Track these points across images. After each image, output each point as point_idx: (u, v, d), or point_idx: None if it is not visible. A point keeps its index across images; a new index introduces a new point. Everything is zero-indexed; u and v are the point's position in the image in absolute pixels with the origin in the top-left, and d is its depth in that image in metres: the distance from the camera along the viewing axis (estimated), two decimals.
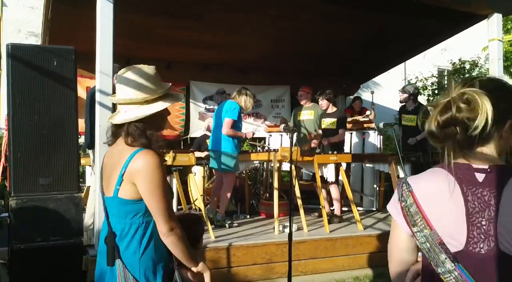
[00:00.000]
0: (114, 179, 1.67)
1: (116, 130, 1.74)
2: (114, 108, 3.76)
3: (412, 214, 1.11)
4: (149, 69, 1.74)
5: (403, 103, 5.92)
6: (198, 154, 5.35)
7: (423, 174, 1.16)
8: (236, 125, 4.79)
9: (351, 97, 8.86)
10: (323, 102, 5.46)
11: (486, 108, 1.04)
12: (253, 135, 5.27)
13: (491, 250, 1.04)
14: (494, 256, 1.04)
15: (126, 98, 1.69)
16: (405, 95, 5.78)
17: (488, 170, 1.08)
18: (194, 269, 1.75)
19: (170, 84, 1.81)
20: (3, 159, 4.05)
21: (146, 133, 1.67)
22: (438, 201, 1.09)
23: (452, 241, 1.07)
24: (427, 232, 1.09)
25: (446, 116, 1.08)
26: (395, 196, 1.18)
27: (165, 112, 1.76)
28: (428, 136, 1.13)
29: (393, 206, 1.17)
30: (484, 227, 1.05)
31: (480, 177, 1.08)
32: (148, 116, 1.67)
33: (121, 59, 5.80)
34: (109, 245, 1.68)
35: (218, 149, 4.81)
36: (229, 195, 4.95)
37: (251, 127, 8.24)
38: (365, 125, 6.85)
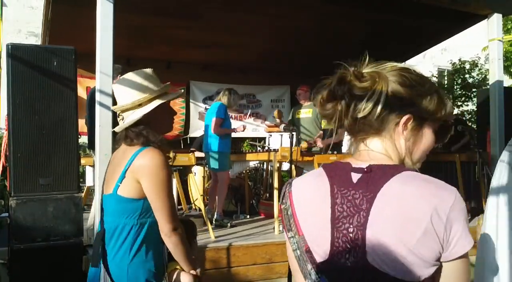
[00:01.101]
0: (116, 177, 1.66)
1: (119, 136, 1.76)
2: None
3: (289, 217, 0.99)
4: (140, 73, 1.74)
5: None
6: (199, 154, 5.36)
7: (308, 173, 1.04)
8: (224, 123, 4.91)
9: None
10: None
11: (381, 88, 0.89)
12: (243, 129, 5.34)
13: (358, 262, 0.87)
14: (361, 269, 0.86)
15: (120, 106, 1.72)
16: None
17: (365, 169, 0.92)
18: (192, 272, 1.73)
19: (168, 83, 1.81)
20: (3, 159, 4.04)
21: (143, 134, 1.67)
22: (310, 204, 0.97)
23: (317, 249, 0.93)
24: (297, 237, 0.96)
25: (328, 89, 0.93)
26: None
27: (162, 111, 1.74)
28: (321, 113, 0.99)
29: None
30: (351, 235, 0.88)
31: (355, 177, 0.93)
32: (143, 118, 1.67)
33: (121, 59, 5.81)
34: (95, 244, 1.66)
35: (209, 149, 4.90)
36: (224, 193, 4.99)
37: (251, 127, 8.24)
38: None
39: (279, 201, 1.04)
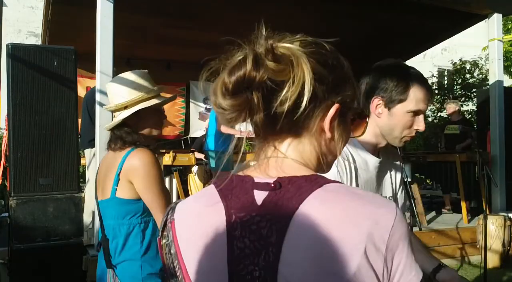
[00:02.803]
0: (110, 181, 1.67)
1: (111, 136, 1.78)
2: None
3: (172, 257, 0.73)
4: (132, 74, 1.75)
5: None
6: (198, 155, 5.36)
7: (196, 193, 0.79)
8: None
9: None
10: None
11: (303, 72, 0.65)
12: (249, 135, 5.29)
13: None
14: None
15: (109, 106, 1.74)
16: None
17: (272, 185, 0.67)
18: None
19: (160, 86, 1.81)
20: (3, 159, 4.05)
21: (128, 135, 1.68)
22: (199, 239, 0.70)
23: None
24: None
25: (237, 75, 0.66)
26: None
27: (149, 114, 1.73)
28: (215, 109, 0.71)
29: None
30: (258, 280, 0.63)
31: (260, 196, 0.67)
32: (129, 120, 1.68)
33: (121, 59, 5.82)
34: (104, 249, 1.67)
35: (212, 148, 4.89)
36: None
37: (251, 127, 8.24)
38: None
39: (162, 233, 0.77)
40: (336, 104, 0.70)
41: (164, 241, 0.75)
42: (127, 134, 1.69)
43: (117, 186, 1.65)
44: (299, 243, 0.62)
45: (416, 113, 1.33)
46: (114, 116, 1.76)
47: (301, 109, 0.66)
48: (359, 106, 0.77)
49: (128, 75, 1.76)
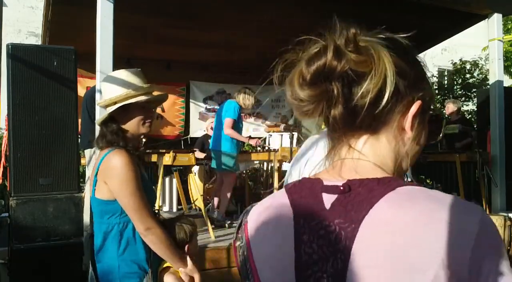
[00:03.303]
0: (91, 180, 1.72)
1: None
2: None
3: (245, 260, 0.72)
4: (124, 72, 1.79)
5: None
6: (199, 154, 5.35)
7: (269, 196, 0.77)
8: (236, 124, 4.79)
9: None
10: None
11: (385, 65, 0.62)
12: (259, 142, 5.21)
13: None
14: None
15: (101, 101, 1.80)
16: None
17: (342, 187, 0.64)
18: (182, 269, 1.74)
19: (150, 84, 1.83)
20: (3, 159, 4.05)
21: (111, 134, 1.71)
22: (269, 243, 0.69)
23: None
24: None
25: (317, 64, 0.63)
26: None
27: (135, 111, 1.75)
28: (289, 102, 0.68)
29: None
30: None
31: (329, 200, 0.65)
32: (117, 114, 1.72)
33: (121, 59, 5.81)
34: (87, 246, 1.74)
35: (218, 148, 4.82)
36: (229, 194, 4.95)
37: (251, 127, 8.25)
38: None
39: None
40: (418, 101, 0.66)
41: (238, 243, 0.75)
42: (111, 133, 1.72)
43: (95, 186, 1.69)
44: (369, 250, 0.58)
45: None
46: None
47: (383, 103, 0.62)
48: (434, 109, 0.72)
49: (120, 73, 1.80)
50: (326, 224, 0.63)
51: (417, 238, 0.56)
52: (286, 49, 0.72)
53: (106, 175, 1.65)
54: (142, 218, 1.63)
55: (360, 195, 0.62)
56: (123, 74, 1.79)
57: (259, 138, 5.82)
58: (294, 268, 0.64)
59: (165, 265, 1.79)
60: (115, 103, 1.73)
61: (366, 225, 0.59)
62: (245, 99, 4.87)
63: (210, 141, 5.32)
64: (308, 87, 0.64)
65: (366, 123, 0.65)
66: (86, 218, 4.11)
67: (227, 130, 4.71)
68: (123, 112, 1.74)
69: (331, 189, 0.65)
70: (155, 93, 1.87)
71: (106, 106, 1.77)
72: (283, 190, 0.72)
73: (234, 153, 4.82)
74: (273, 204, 0.72)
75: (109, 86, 1.78)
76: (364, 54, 0.63)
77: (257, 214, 0.73)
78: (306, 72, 0.64)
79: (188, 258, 1.77)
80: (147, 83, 1.83)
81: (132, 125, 1.77)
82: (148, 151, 4.29)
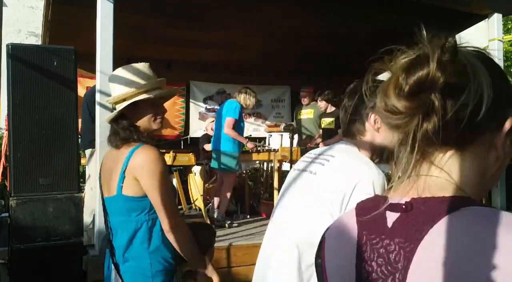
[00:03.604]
0: (115, 178, 1.66)
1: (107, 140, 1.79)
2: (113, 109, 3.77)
3: (320, 275, 0.74)
4: (131, 67, 1.76)
5: None
6: (208, 147, 5.27)
7: (345, 212, 0.79)
8: (237, 124, 4.79)
9: None
10: (321, 103, 5.50)
11: (482, 78, 0.61)
12: (254, 148, 5.19)
13: None
14: None
15: (110, 99, 1.77)
16: None
17: (404, 206, 0.63)
18: (201, 270, 1.72)
19: (160, 79, 1.81)
20: (3, 159, 4.05)
21: (124, 131, 1.69)
22: (337, 259, 0.71)
23: None
24: None
25: (419, 75, 0.59)
26: None
27: (145, 108, 1.73)
28: (381, 113, 0.64)
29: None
30: None
31: (391, 219, 0.64)
32: (127, 111, 1.69)
33: (121, 59, 5.79)
34: (102, 247, 1.69)
35: (219, 148, 4.81)
36: (229, 195, 4.95)
37: (251, 127, 8.25)
38: None
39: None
40: (511, 118, 0.63)
41: (318, 260, 0.74)
42: (123, 129, 1.68)
43: (122, 183, 1.64)
44: (424, 272, 0.56)
45: None
46: (115, 109, 1.76)
47: (479, 118, 0.60)
48: None
49: (129, 68, 1.76)
50: (386, 243, 0.62)
51: (472, 265, 0.53)
52: (373, 58, 0.67)
53: (137, 171, 1.61)
54: (172, 215, 1.61)
55: (422, 214, 0.60)
56: (132, 69, 1.75)
57: (257, 143, 5.82)
58: None
59: (186, 269, 1.77)
60: (124, 100, 1.70)
61: (425, 245, 0.58)
62: (246, 99, 4.87)
63: (211, 140, 5.32)
64: (405, 98, 0.60)
65: (454, 140, 0.62)
66: (86, 218, 4.12)
67: (227, 129, 4.70)
68: (133, 109, 1.70)
69: (394, 207, 0.64)
70: (163, 88, 1.83)
71: (115, 103, 1.73)
72: (353, 207, 0.72)
73: (235, 153, 4.81)
74: (343, 221, 0.73)
75: (118, 82, 1.74)
76: (461, 66, 0.61)
77: (331, 229, 0.74)
78: (405, 82, 0.60)
79: (207, 260, 1.76)
80: (157, 77, 1.80)
81: (143, 122, 1.73)
82: None
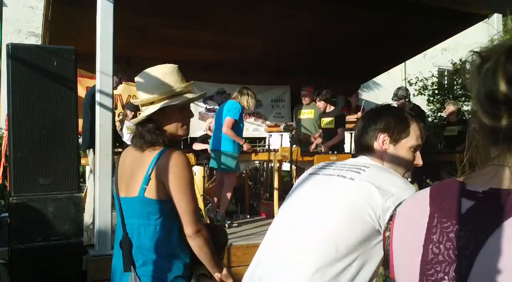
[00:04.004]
0: (138, 179, 1.64)
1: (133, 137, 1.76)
2: (114, 108, 3.77)
3: (387, 251, 0.78)
4: (155, 70, 1.73)
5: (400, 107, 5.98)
6: (198, 146, 5.27)
7: (418, 192, 0.81)
8: (237, 125, 4.78)
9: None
10: (320, 103, 5.49)
11: None
12: (250, 149, 5.18)
13: None
14: None
15: (136, 100, 1.75)
16: (401, 100, 5.83)
17: (481, 194, 0.63)
18: (217, 275, 1.70)
19: (189, 83, 1.77)
20: (3, 159, 4.05)
21: (150, 134, 1.66)
22: (404, 237, 0.74)
23: None
24: (389, 280, 0.76)
25: None
26: None
27: (173, 112, 1.70)
28: (484, 102, 0.64)
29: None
30: None
31: (465, 206, 0.65)
32: (155, 115, 1.66)
33: (121, 59, 5.82)
34: (125, 249, 1.63)
35: (219, 148, 4.80)
36: (229, 195, 4.94)
37: (251, 127, 8.25)
38: None
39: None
40: None
41: (387, 233, 0.79)
42: (149, 132, 1.66)
43: (146, 185, 1.61)
44: (491, 263, 0.57)
45: (415, 149, 1.43)
46: (141, 111, 1.74)
47: None
48: None
49: (157, 70, 1.73)
50: (457, 228, 0.63)
51: None
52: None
53: (168, 174, 1.59)
54: (194, 220, 1.60)
55: (498, 206, 0.60)
56: (160, 71, 1.71)
57: (257, 148, 5.85)
58: (419, 265, 0.66)
59: (200, 272, 1.75)
60: (151, 103, 1.68)
61: (496, 237, 0.58)
62: (249, 101, 4.86)
63: (209, 140, 5.31)
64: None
65: None
66: (87, 218, 4.12)
67: (226, 129, 4.70)
68: (161, 114, 1.67)
69: (471, 195, 0.65)
70: (191, 92, 1.80)
71: (142, 105, 1.71)
72: (428, 188, 0.74)
73: (235, 153, 4.80)
74: (417, 199, 0.75)
75: (146, 84, 1.71)
76: None
77: (403, 207, 0.77)
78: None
79: (224, 265, 1.74)
80: (186, 81, 1.76)
81: (170, 128, 1.71)
82: None
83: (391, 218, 0.79)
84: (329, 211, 1.29)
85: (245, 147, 5.00)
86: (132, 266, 1.61)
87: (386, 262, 0.78)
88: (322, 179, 1.41)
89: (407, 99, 5.86)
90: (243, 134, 5.00)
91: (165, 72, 1.71)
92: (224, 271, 1.71)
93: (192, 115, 1.79)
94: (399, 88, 5.95)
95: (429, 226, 0.67)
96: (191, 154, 4.72)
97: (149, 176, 1.62)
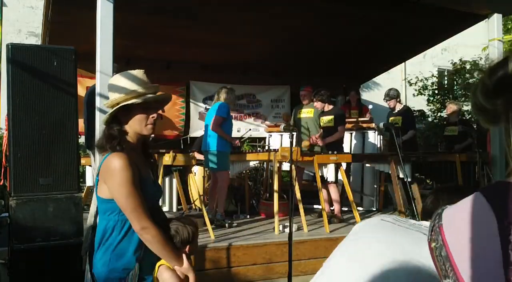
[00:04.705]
0: (94, 180, 1.85)
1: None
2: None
3: (443, 259, 0.77)
4: (125, 74, 1.84)
5: (391, 108, 6.11)
6: (199, 156, 5.35)
7: (462, 201, 0.81)
8: (226, 123, 4.87)
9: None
10: (317, 104, 5.49)
11: None
12: (236, 144, 5.26)
13: None
14: None
15: (107, 103, 1.87)
16: (393, 100, 5.98)
17: None
18: (177, 268, 1.80)
19: (155, 85, 1.87)
20: (3, 159, 4.04)
21: (110, 139, 1.78)
22: (469, 243, 0.74)
23: None
24: None
25: (499, 74, 0.71)
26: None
27: (137, 112, 1.80)
28: (474, 111, 0.79)
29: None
30: None
31: None
32: (120, 115, 1.80)
33: (121, 59, 5.81)
34: (88, 243, 1.82)
35: (209, 148, 4.87)
36: (225, 193, 4.97)
37: (251, 127, 8.24)
38: (365, 125, 6.85)
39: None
40: None
41: (433, 244, 0.79)
42: (108, 136, 1.78)
43: (97, 185, 1.82)
44: None
45: None
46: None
47: None
48: None
49: (126, 74, 1.85)
50: None
51: None
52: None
53: (105, 176, 1.76)
54: (137, 218, 1.71)
55: None
56: (127, 75, 1.84)
57: (240, 138, 5.92)
58: (503, 268, 0.67)
59: (161, 263, 1.84)
60: (117, 104, 1.80)
61: None
62: (228, 98, 5.00)
63: None
64: (492, 96, 0.71)
65: None
66: (90, 218, 4.11)
67: (214, 127, 4.78)
68: (125, 113, 1.80)
69: None
70: (158, 93, 1.90)
71: (111, 107, 1.83)
72: (478, 193, 0.75)
73: (225, 151, 4.87)
74: (469, 206, 0.75)
75: (114, 88, 1.84)
76: None
77: (451, 216, 0.78)
78: (489, 81, 0.72)
79: (184, 257, 1.81)
80: (152, 83, 1.88)
81: (134, 127, 1.82)
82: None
83: (435, 228, 0.80)
84: None
85: (234, 143, 5.10)
86: (91, 254, 1.84)
87: (442, 272, 0.78)
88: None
89: (398, 99, 6.01)
90: (232, 133, 5.08)
91: (133, 76, 1.84)
92: (185, 264, 1.80)
93: (156, 116, 1.86)
94: (390, 89, 6.10)
95: (501, 229, 0.68)
96: (191, 154, 4.73)
97: (97, 177, 1.82)
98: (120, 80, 1.83)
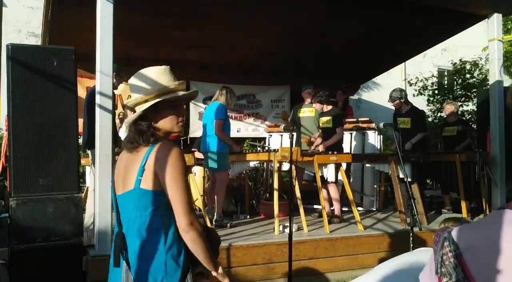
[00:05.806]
0: (133, 173, 1.65)
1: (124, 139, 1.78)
2: (114, 108, 3.77)
3: (453, 272, 0.73)
4: (148, 71, 1.76)
5: (397, 108, 5.89)
6: (198, 155, 5.36)
7: (482, 221, 0.77)
8: (225, 125, 4.90)
9: (352, 97, 8.83)
10: (316, 105, 5.49)
11: None
12: (237, 148, 5.27)
13: None
14: None
15: (130, 101, 1.76)
16: (397, 101, 5.69)
17: None
18: (213, 273, 1.67)
19: (181, 81, 1.79)
20: (3, 159, 4.04)
21: (142, 134, 1.68)
22: (494, 259, 0.70)
23: None
24: None
25: None
26: (431, 264, 0.77)
27: (164, 110, 1.73)
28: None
29: (428, 279, 0.78)
30: None
31: None
32: (148, 113, 1.70)
33: (121, 59, 5.81)
34: (116, 244, 1.65)
35: (208, 149, 4.88)
36: (223, 193, 4.97)
37: (251, 127, 8.25)
38: (365, 125, 6.85)
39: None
40: None
41: (445, 279, 0.74)
42: (141, 132, 1.68)
43: (141, 176, 1.62)
44: None
45: None
46: (135, 111, 1.75)
47: None
48: None
49: (150, 70, 1.76)
50: None
51: None
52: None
53: (160, 165, 1.60)
54: (188, 212, 1.58)
55: None
56: (152, 71, 1.75)
57: (254, 143, 5.92)
58: None
59: (197, 271, 1.72)
60: (145, 101, 1.71)
61: None
62: (228, 99, 5.02)
63: None
64: None
65: None
66: (88, 218, 4.11)
67: (218, 132, 4.79)
68: (154, 111, 1.71)
69: None
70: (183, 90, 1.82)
71: (136, 104, 1.73)
72: (504, 210, 0.72)
73: (224, 151, 4.88)
74: (496, 224, 0.72)
75: (138, 85, 1.74)
76: None
77: (464, 231, 0.74)
78: None
79: (219, 263, 1.71)
80: (177, 80, 1.80)
81: (165, 124, 1.74)
82: None
83: (446, 259, 0.75)
84: None
85: (235, 147, 5.11)
86: (125, 262, 1.61)
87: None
88: None
89: (402, 100, 5.69)
90: (230, 132, 5.10)
91: (157, 72, 1.75)
92: (220, 269, 1.68)
93: (184, 112, 1.80)
94: (393, 90, 5.86)
95: None
96: (191, 154, 4.73)
97: (143, 167, 1.62)
98: (146, 77, 1.74)
